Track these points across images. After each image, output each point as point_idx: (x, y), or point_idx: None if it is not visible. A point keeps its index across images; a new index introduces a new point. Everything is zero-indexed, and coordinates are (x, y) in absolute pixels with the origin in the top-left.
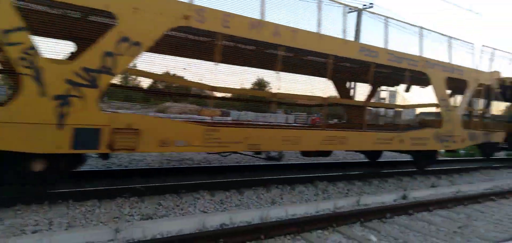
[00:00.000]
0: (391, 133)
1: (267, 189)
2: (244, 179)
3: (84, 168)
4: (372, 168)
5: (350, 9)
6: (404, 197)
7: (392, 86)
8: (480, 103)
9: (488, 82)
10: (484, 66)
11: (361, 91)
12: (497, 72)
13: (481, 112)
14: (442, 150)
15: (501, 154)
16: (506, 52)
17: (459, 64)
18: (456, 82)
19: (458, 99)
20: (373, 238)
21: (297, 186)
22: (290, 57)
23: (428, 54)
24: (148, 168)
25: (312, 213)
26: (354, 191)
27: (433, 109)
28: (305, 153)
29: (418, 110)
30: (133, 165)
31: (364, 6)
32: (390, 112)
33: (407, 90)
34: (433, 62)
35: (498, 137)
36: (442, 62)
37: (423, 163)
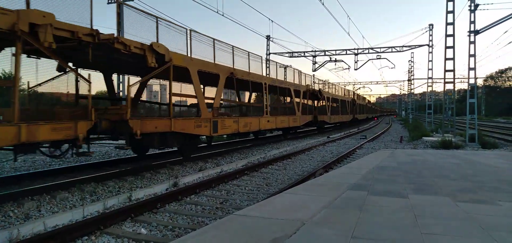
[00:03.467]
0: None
1: (18, 204)
2: None
3: None
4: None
5: (110, 0)
6: (175, 185)
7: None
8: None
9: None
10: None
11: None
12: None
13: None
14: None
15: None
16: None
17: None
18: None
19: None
20: (143, 230)
21: (59, 193)
22: None
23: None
24: None
25: (79, 220)
26: (126, 187)
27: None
28: None
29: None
30: None
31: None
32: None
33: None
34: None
35: None
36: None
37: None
